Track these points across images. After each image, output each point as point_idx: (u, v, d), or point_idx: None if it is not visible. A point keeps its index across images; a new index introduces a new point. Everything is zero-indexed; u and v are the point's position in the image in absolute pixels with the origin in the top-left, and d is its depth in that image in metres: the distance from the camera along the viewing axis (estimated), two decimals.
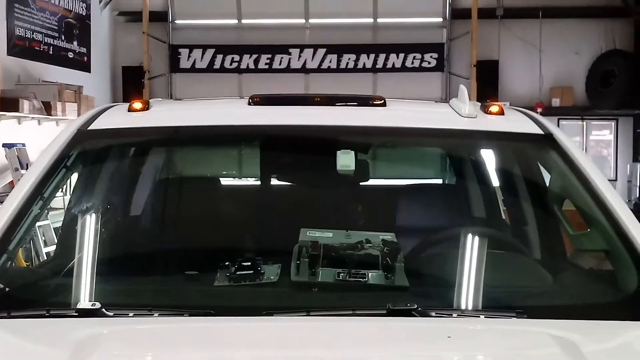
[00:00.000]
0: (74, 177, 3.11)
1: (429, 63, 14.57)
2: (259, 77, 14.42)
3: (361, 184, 3.52)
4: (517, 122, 3.05)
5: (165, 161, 3.77)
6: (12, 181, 9.40)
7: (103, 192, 3.25)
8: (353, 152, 2.94)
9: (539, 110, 12.94)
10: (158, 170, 3.72)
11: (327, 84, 13.84)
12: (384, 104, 3.09)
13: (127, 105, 3.10)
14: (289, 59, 14.61)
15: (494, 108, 3.05)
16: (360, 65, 14.56)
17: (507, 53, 14.58)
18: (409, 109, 3.53)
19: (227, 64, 14.68)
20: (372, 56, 14.54)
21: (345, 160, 2.90)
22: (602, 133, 14.93)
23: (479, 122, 2.99)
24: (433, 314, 2.25)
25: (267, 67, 14.63)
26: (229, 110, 3.33)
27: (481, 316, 2.33)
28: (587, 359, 1.96)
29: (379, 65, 14.56)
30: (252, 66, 14.65)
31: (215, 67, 14.70)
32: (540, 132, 2.95)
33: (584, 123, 14.75)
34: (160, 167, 3.74)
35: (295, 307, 2.31)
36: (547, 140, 2.92)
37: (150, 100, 3.17)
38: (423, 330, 2.21)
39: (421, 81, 14.40)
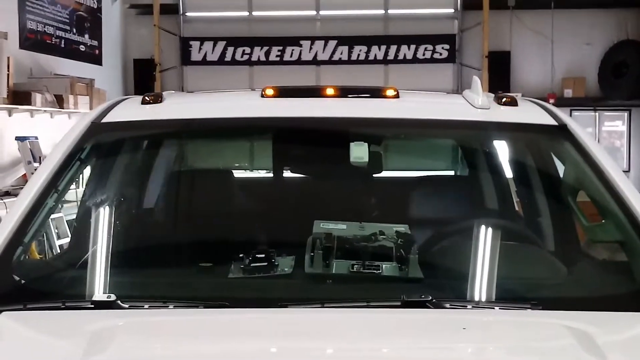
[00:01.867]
0: (87, 169, 3.12)
1: (441, 54, 14.50)
2: (270, 69, 14.40)
3: (374, 175, 3.52)
4: (530, 113, 3.03)
5: (178, 153, 3.77)
6: (25, 174, 9.44)
7: (117, 184, 3.25)
8: (366, 144, 2.94)
9: (551, 101, 12.86)
10: (172, 163, 3.72)
11: (338, 76, 13.77)
12: (397, 96, 3.08)
13: (140, 98, 3.10)
14: (300, 51, 14.57)
15: (507, 99, 3.04)
16: (371, 57, 14.50)
17: (518, 44, 14.50)
18: (423, 101, 3.52)
19: (238, 57, 14.65)
20: (383, 47, 14.48)
21: (359, 152, 2.90)
22: (615, 124, 14.81)
23: (492, 113, 2.97)
24: (447, 305, 2.25)
25: (278, 59, 14.59)
26: (242, 103, 3.34)
27: (496, 308, 2.32)
28: (602, 350, 1.95)
29: (390, 56, 14.49)
30: (263, 58, 14.61)
31: (226, 59, 14.67)
32: (554, 123, 2.93)
33: (597, 114, 14.65)
34: (174, 159, 3.74)
35: (310, 298, 2.31)
36: (561, 131, 2.90)
37: (163, 93, 3.17)
38: (438, 321, 2.21)
39: (432, 72, 14.33)
